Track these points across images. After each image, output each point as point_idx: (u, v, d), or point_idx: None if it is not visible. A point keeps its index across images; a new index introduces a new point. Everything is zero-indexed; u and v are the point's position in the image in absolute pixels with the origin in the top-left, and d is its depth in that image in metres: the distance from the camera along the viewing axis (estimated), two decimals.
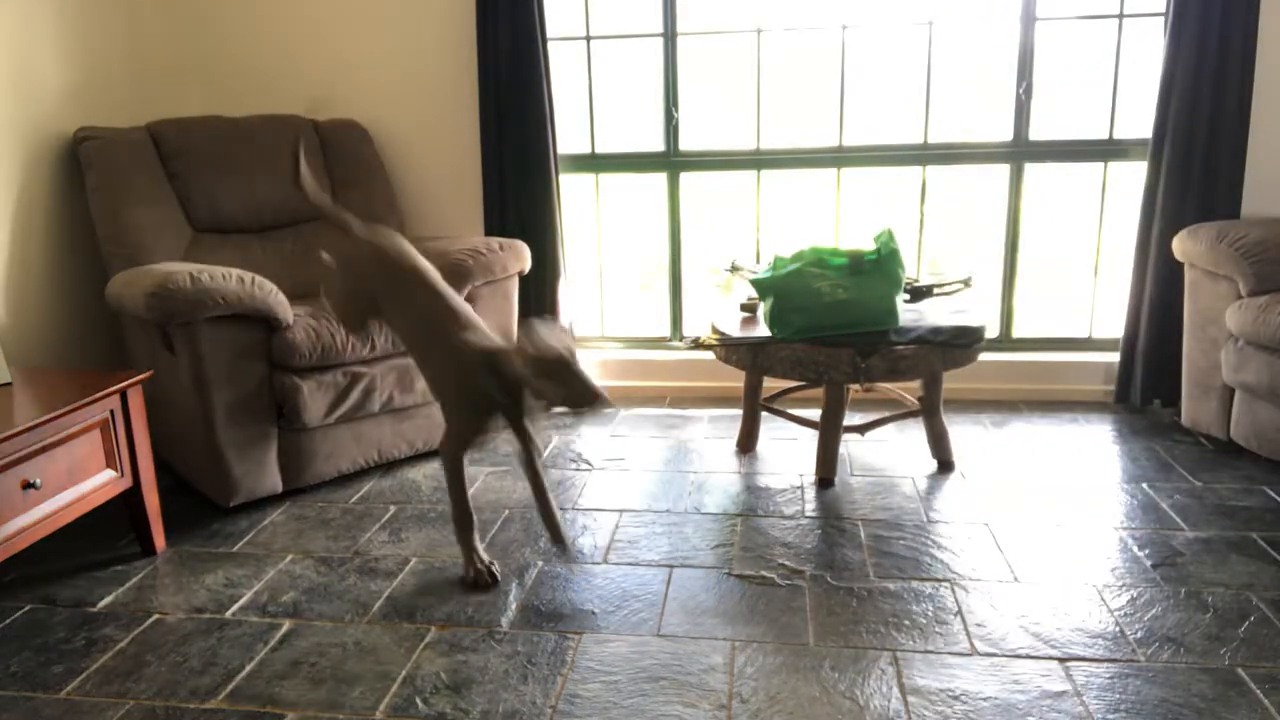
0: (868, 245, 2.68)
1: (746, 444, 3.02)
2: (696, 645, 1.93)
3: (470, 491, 2.74)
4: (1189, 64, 2.98)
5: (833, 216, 3.55)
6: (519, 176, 3.36)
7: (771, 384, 3.09)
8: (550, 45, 3.30)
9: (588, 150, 3.58)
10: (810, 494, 2.66)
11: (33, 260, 2.82)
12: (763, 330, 2.70)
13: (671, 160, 3.53)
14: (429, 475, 2.86)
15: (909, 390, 3.23)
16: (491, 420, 2.11)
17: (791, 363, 2.60)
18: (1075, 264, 3.62)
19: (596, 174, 3.64)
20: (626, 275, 4.17)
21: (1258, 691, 1.72)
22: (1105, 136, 3.33)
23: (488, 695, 1.78)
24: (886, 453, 2.95)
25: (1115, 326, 3.36)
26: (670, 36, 3.43)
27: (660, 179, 3.56)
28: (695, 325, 3.68)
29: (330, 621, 2.06)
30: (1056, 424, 3.17)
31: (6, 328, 2.71)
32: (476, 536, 2.23)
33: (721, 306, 3.05)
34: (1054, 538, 2.35)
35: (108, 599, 2.18)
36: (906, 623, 1.99)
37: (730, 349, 2.72)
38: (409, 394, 2.80)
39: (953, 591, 2.11)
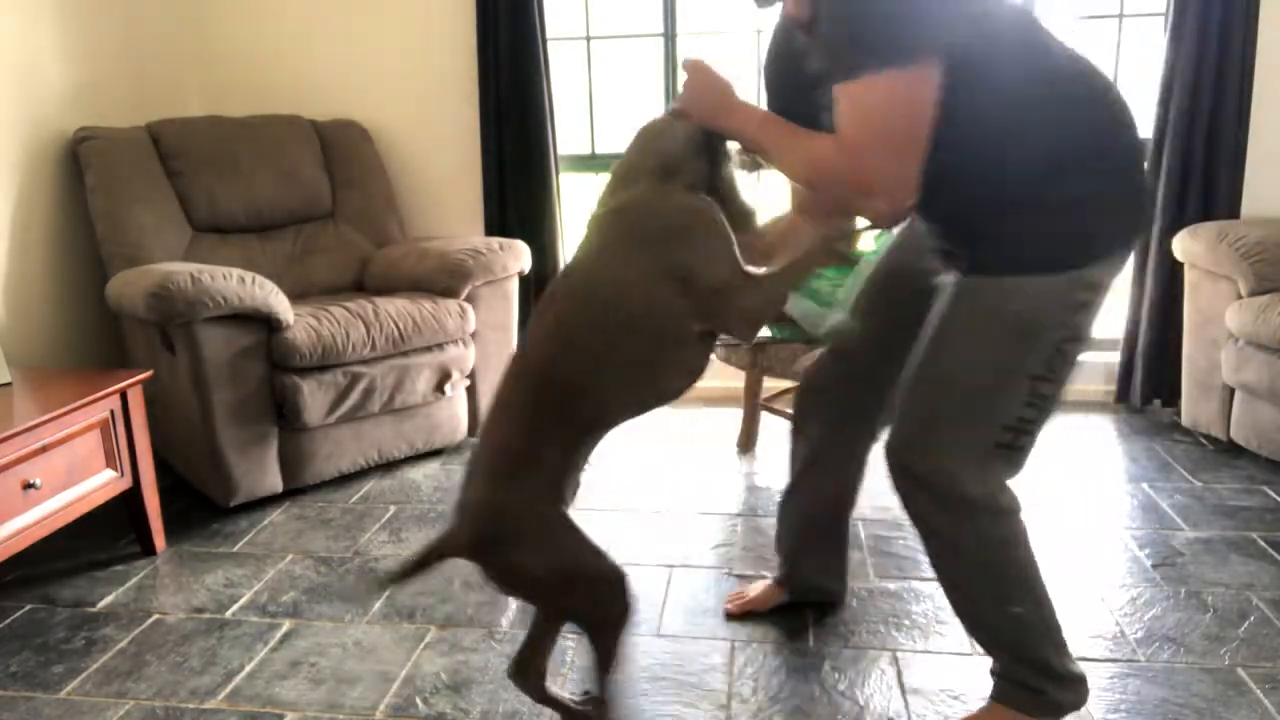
0: (868, 245, 2.68)
1: (746, 444, 3.02)
2: (696, 645, 1.93)
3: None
4: (1189, 64, 2.97)
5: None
6: (519, 176, 3.36)
7: (771, 384, 3.09)
8: (550, 45, 3.30)
9: (588, 150, 3.58)
10: None
11: (33, 260, 2.82)
12: (763, 330, 2.70)
13: None
14: (429, 475, 2.86)
15: None
16: None
17: (792, 363, 2.60)
18: None
19: (596, 174, 3.64)
20: None
21: (1258, 691, 1.72)
22: None
23: (488, 695, 1.78)
24: None
25: (1115, 326, 3.36)
26: (670, 36, 3.43)
27: None
28: None
29: (330, 621, 2.06)
30: (1057, 424, 3.17)
31: (6, 328, 2.71)
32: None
33: None
34: (1054, 537, 2.35)
35: (108, 599, 2.18)
36: (906, 623, 1.99)
37: (730, 349, 2.72)
38: (409, 394, 2.80)
39: None
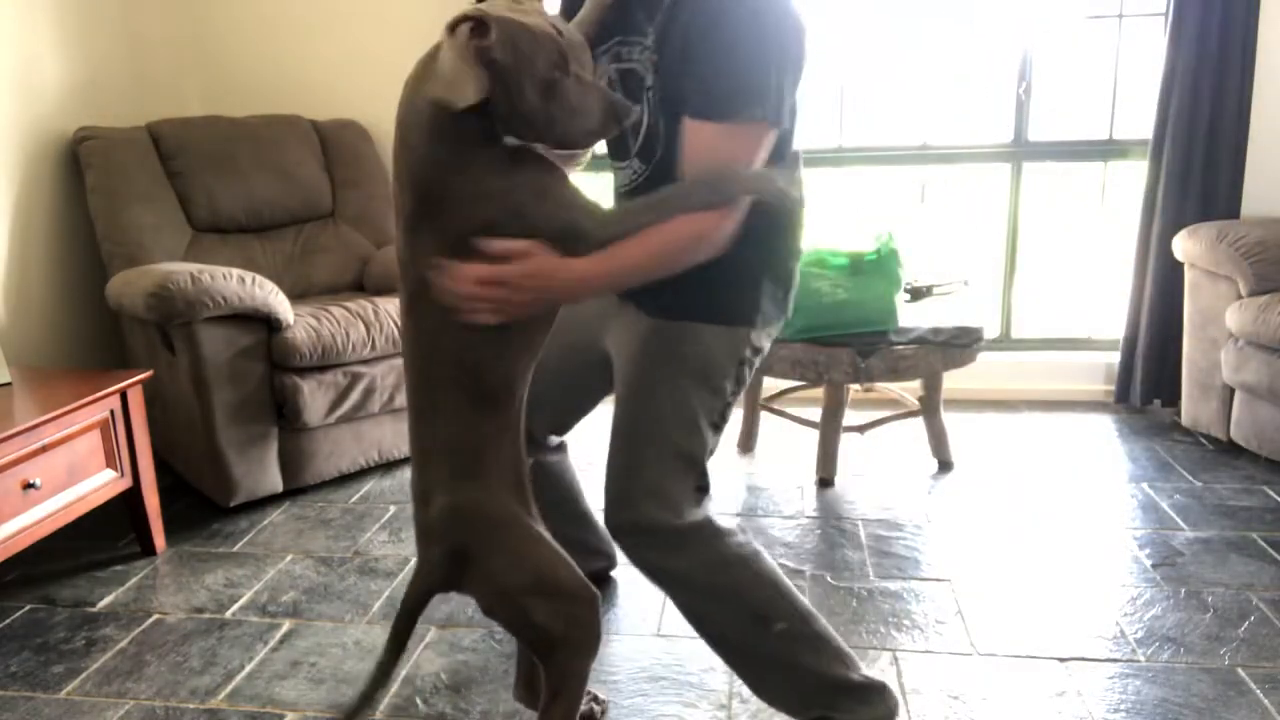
0: (867, 245, 2.68)
1: (746, 444, 3.02)
2: (696, 645, 1.93)
3: None
4: (1189, 64, 2.97)
5: (833, 216, 3.55)
6: None
7: (771, 384, 3.09)
8: None
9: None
10: (810, 494, 2.66)
11: (33, 260, 2.82)
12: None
13: None
14: None
15: (909, 390, 3.23)
16: None
17: (791, 363, 2.60)
18: (1075, 264, 3.62)
19: (596, 173, 3.63)
20: None
21: (1258, 691, 1.72)
22: (1105, 136, 3.33)
23: (488, 695, 1.78)
24: (886, 453, 2.95)
25: (1115, 326, 3.36)
26: None
27: None
28: None
29: (330, 621, 2.06)
30: (1056, 424, 3.17)
31: (6, 328, 2.71)
32: None
33: None
34: (1054, 537, 2.35)
35: (108, 599, 2.18)
36: (906, 623, 1.99)
37: None
38: None
39: (953, 591, 2.11)
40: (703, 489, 1.50)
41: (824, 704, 1.52)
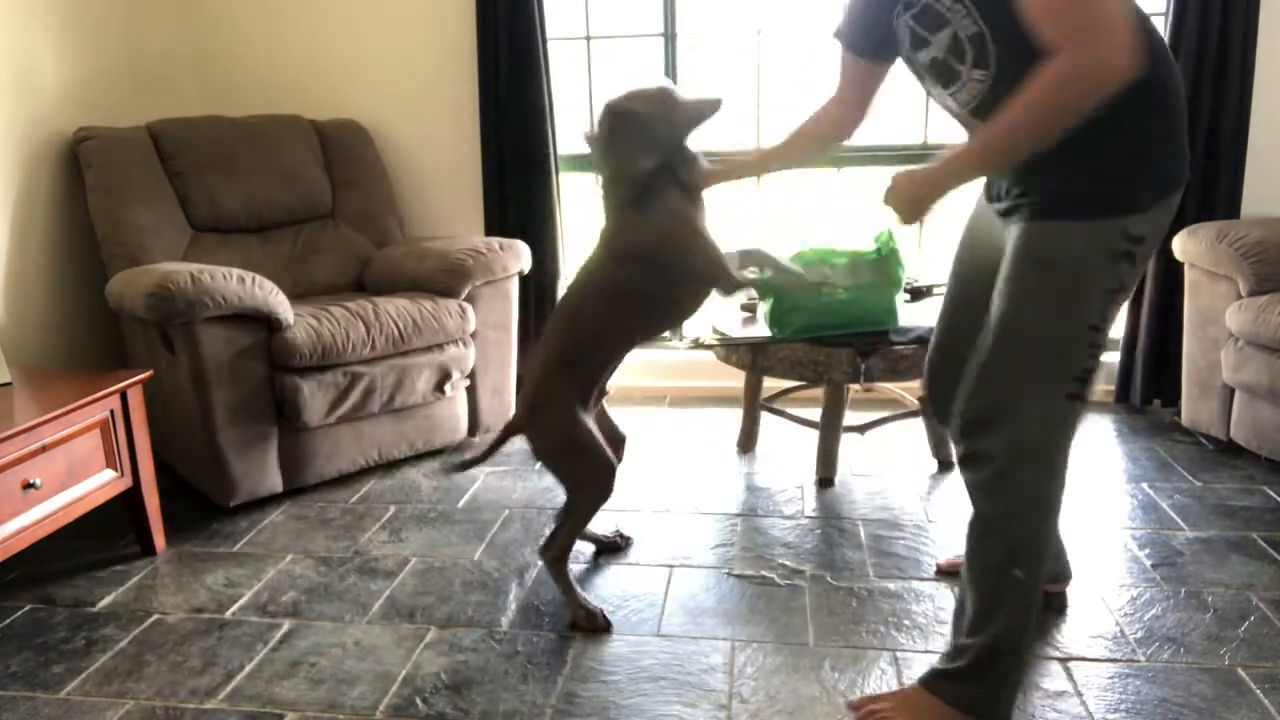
0: (868, 245, 2.68)
1: (746, 444, 3.02)
2: (696, 645, 1.93)
3: (472, 492, 2.74)
4: (1189, 64, 2.97)
5: (832, 216, 3.55)
6: (519, 176, 3.36)
7: (771, 384, 3.09)
8: (550, 45, 3.30)
9: (588, 150, 3.57)
10: (810, 494, 2.66)
11: (33, 260, 2.82)
12: (763, 330, 2.70)
13: None
14: (429, 475, 2.86)
15: (909, 390, 3.23)
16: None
17: (791, 363, 2.60)
18: None
19: (597, 174, 3.63)
20: None
21: (1258, 691, 1.72)
22: None
23: (488, 695, 1.78)
24: (886, 453, 2.95)
25: (1115, 326, 3.35)
26: (670, 36, 3.43)
27: None
28: (695, 325, 3.67)
29: (330, 621, 2.06)
30: None
31: (6, 328, 2.71)
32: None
33: (721, 306, 3.04)
34: None
35: (108, 599, 2.18)
36: (906, 623, 1.99)
37: (730, 349, 2.72)
38: (409, 394, 2.80)
39: (953, 591, 2.11)
40: (1078, 399, 1.49)
41: (984, 666, 1.59)
